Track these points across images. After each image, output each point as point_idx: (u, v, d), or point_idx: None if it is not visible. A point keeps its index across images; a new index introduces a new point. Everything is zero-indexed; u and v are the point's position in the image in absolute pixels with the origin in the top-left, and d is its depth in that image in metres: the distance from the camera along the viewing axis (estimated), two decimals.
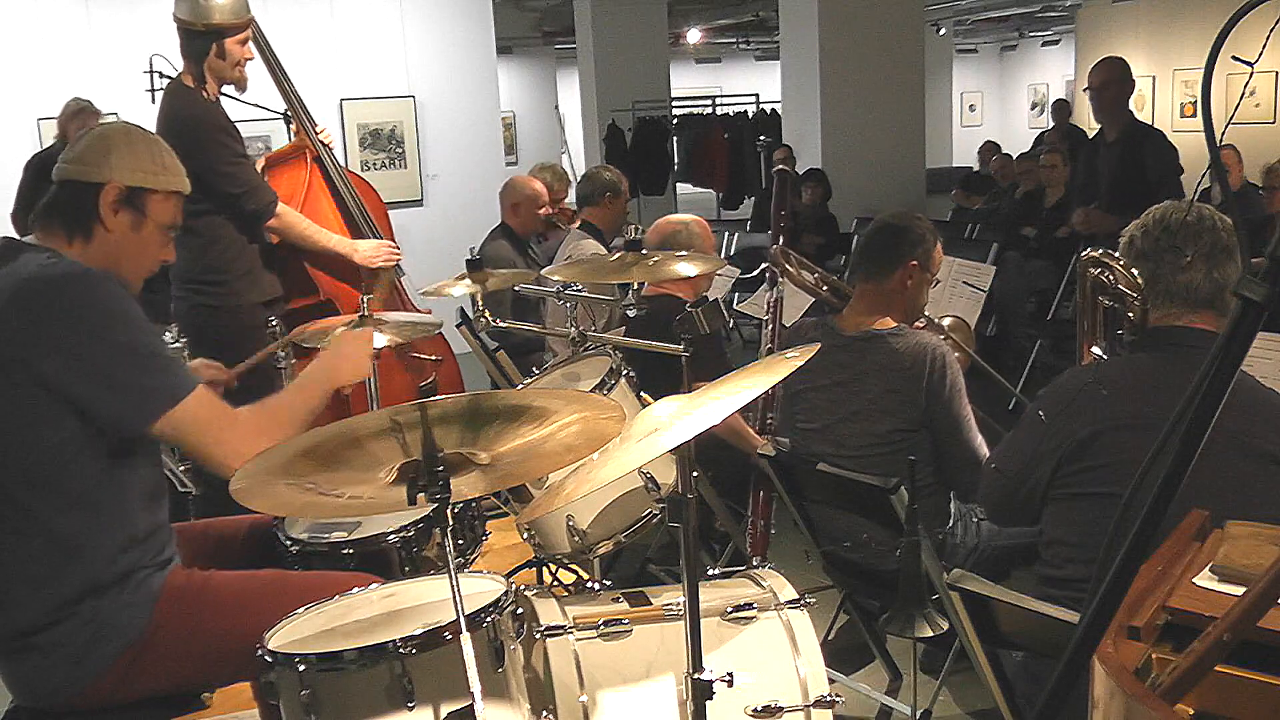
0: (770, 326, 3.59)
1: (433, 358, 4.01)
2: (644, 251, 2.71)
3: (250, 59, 3.66)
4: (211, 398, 2.04)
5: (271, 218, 3.70)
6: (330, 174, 4.04)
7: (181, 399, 1.96)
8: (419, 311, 3.91)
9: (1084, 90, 5.34)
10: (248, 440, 1.98)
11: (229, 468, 1.96)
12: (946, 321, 3.28)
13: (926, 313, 3.15)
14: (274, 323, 3.46)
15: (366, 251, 3.97)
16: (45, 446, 1.92)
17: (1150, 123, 5.61)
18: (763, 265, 3.68)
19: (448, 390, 4.06)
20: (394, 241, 4.17)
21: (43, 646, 1.95)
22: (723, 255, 7.75)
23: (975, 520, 2.93)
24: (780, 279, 3.55)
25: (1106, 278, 2.30)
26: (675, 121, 13.97)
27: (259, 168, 3.99)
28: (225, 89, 3.66)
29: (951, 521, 2.93)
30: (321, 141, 4.05)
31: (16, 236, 2.13)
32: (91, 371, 1.91)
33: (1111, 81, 5.08)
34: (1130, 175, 4.93)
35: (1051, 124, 10.25)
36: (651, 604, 2.10)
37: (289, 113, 4.03)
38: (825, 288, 3.43)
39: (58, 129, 5.38)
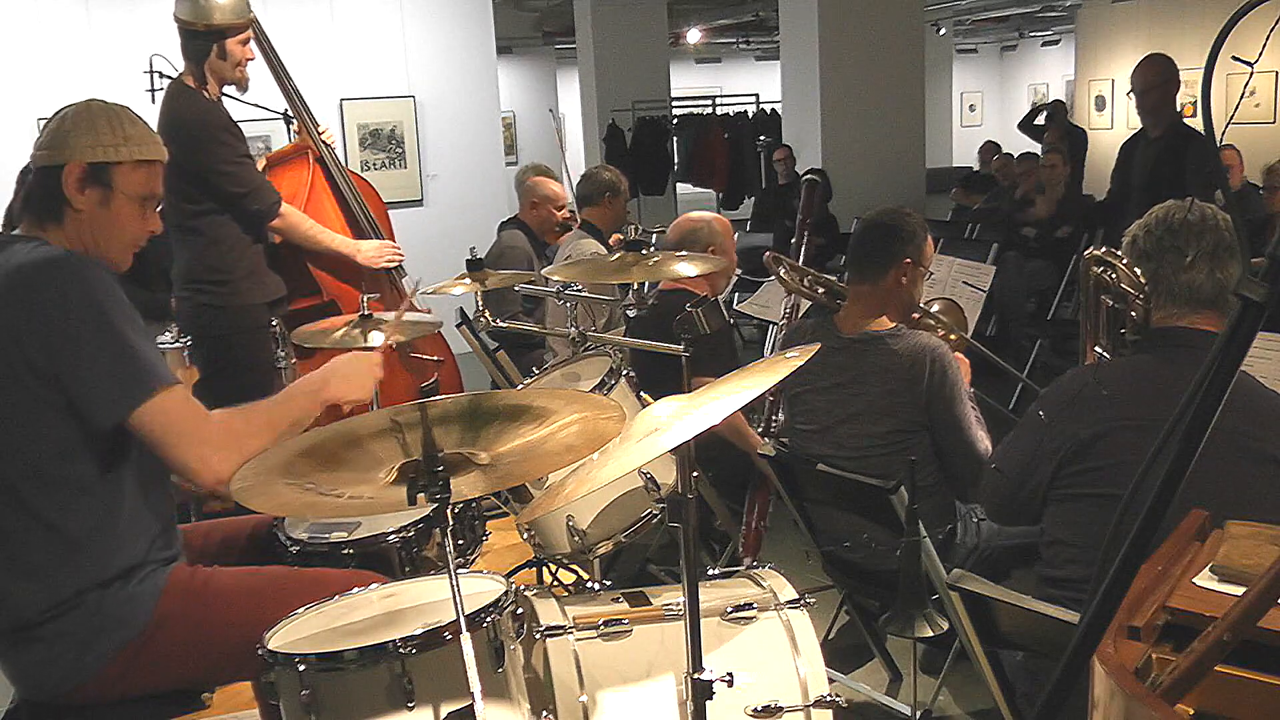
0: (785, 331, 3.59)
1: (434, 358, 4.01)
2: (644, 251, 2.71)
3: (251, 59, 3.66)
4: (188, 397, 1.99)
5: (275, 218, 3.69)
6: (332, 174, 4.04)
7: (159, 391, 1.93)
8: (421, 311, 3.90)
9: (1127, 94, 5.26)
10: (219, 449, 1.95)
11: (197, 474, 1.95)
12: (936, 306, 3.28)
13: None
14: (275, 323, 3.45)
15: (369, 252, 3.96)
16: (46, 441, 1.93)
17: None
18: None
19: (447, 391, 4.06)
20: (395, 242, 4.17)
21: (45, 639, 1.95)
22: None
23: (975, 520, 2.93)
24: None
25: (1109, 277, 2.29)
26: (675, 121, 13.96)
27: (260, 167, 3.99)
28: (226, 89, 3.66)
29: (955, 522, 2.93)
30: (324, 141, 4.05)
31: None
32: (74, 353, 1.89)
33: (1153, 86, 4.96)
34: (1168, 174, 4.83)
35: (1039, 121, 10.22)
36: (651, 604, 2.10)
37: (290, 113, 4.03)
38: (820, 290, 3.43)
39: None
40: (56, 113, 2.09)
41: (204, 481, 1.97)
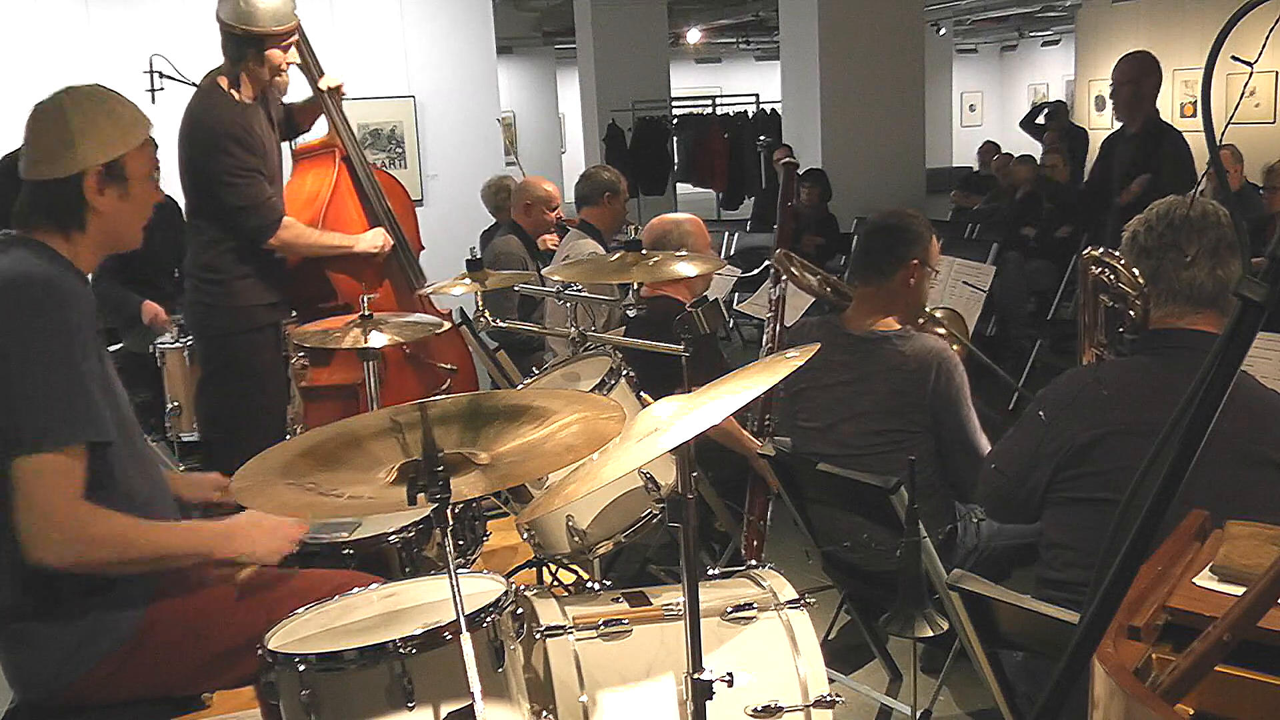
0: (773, 325, 3.59)
1: (449, 366, 3.96)
2: (644, 252, 2.71)
3: (294, 63, 3.54)
4: (72, 469, 1.86)
5: (271, 238, 3.55)
6: (357, 173, 3.93)
7: (48, 450, 1.83)
8: (438, 313, 3.82)
9: (1109, 95, 5.34)
10: (69, 539, 1.85)
11: (30, 551, 1.84)
12: (940, 313, 3.28)
13: None
14: (285, 325, 3.41)
15: (369, 242, 3.81)
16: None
17: None
18: (765, 262, 3.69)
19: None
20: (419, 241, 4.11)
21: (33, 639, 1.94)
22: (723, 255, 7.76)
23: (975, 520, 2.93)
24: (783, 277, 3.56)
25: (1108, 277, 2.29)
26: (675, 121, 13.98)
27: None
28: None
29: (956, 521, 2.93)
30: (352, 140, 3.95)
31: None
32: (20, 376, 1.85)
33: (1128, 81, 5.03)
34: (1145, 170, 4.91)
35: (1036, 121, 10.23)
36: (651, 604, 2.10)
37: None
38: (829, 289, 3.44)
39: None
40: (40, 115, 2.04)
41: (28, 556, 1.86)
